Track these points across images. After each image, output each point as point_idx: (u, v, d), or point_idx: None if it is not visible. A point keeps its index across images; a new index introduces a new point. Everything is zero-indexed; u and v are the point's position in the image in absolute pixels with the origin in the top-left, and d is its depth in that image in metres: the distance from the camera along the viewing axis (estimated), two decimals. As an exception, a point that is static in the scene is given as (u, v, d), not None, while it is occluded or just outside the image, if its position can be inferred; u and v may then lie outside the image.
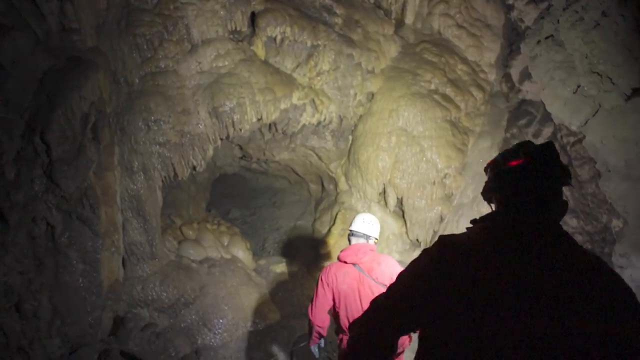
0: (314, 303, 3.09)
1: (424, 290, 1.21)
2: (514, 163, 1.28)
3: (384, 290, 1.46)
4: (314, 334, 3.18)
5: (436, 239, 1.33)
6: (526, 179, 1.25)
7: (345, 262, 3.04)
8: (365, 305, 2.73)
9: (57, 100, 3.96)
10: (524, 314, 1.05)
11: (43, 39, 4.29)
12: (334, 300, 3.06)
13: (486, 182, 1.41)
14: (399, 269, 2.59)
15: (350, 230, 3.18)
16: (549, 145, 1.28)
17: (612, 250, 5.24)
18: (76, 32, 4.56)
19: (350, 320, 2.99)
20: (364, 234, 3.11)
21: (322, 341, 3.31)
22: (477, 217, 1.34)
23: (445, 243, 1.26)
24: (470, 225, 1.36)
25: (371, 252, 3.04)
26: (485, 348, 1.06)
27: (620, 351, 1.00)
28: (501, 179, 1.33)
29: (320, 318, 3.09)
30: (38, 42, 4.18)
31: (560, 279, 1.07)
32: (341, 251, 3.12)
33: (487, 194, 1.41)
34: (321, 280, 3.08)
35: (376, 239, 3.15)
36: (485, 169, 1.49)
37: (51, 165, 3.86)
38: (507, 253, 1.14)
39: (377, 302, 1.36)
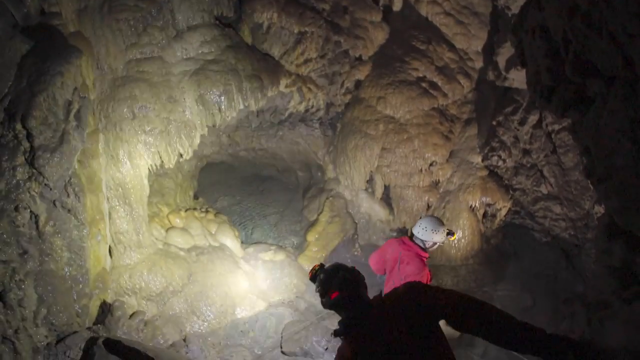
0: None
1: None
2: (334, 295, 2.00)
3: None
4: None
5: None
6: (345, 298, 1.98)
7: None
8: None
9: (39, 86, 3.87)
10: (393, 347, 1.79)
11: (22, 22, 4.17)
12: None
13: (323, 304, 2.06)
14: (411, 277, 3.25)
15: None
16: (350, 274, 2.06)
17: (594, 236, 5.36)
18: (57, 16, 4.44)
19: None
20: (420, 238, 3.54)
21: None
22: (334, 330, 2.00)
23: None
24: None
25: (413, 254, 3.46)
26: None
27: (432, 313, 1.84)
28: (332, 304, 2.02)
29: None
30: (16, 26, 4.07)
31: (391, 319, 1.86)
32: (406, 238, 3.60)
33: (326, 309, 2.07)
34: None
35: (434, 242, 3.54)
36: (312, 278, 2.18)
37: (33, 152, 3.79)
38: (365, 338, 1.87)
39: None
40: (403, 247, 3.50)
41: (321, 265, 2.18)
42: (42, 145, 3.83)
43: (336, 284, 2.02)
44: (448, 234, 3.55)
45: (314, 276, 2.15)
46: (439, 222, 3.54)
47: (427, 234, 3.46)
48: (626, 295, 2.56)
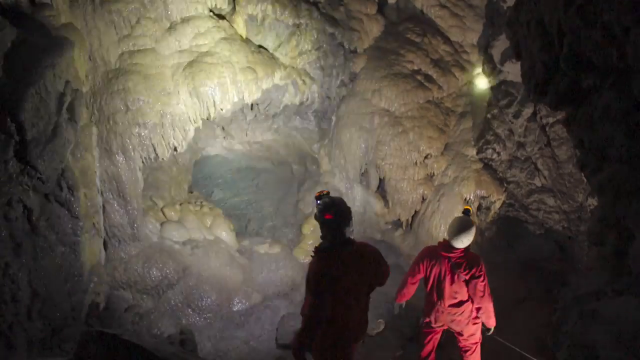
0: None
1: (314, 284, 2.63)
2: (327, 217, 2.62)
3: None
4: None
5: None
6: (335, 223, 2.63)
7: None
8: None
9: (30, 78, 3.82)
10: (345, 278, 2.59)
11: (11, 13, 4.11)
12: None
13: (315, 217, 2.71)
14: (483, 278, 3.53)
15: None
16: (346, 211, 2.67)
17: (587, 228, 5.39)
18: (48, 7, 4.38)
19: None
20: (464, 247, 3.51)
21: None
22: (318, 246, 2.71)
23: (313, 264, 2.67)
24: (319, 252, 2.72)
25: (470, 258, 3.54)
26: (336, 297, 2.60)
27: (378, 277, 2.77)
28: (324, 223, 2.66)
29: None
30: (5, 17, 4.00)
31: (355, 261, 2.64)
32: (445, 245, 3.54)
33: (316, 221, 2.71)
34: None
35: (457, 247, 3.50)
36: (318, 197, 2.77)
37: (25, 146, 3.75)
38: (334, 259, 2.61)
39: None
40: (451, 254, 3.45)
41: (328, 192, 2.76)
42: (34, 138, 3.79)
43: (334, 210, 2.63)
44: (468, 214, 3.56)
45: (320, 196, 2.71)
46: (461, 226, 3.42)
47: (467, 240, 3.41)
48: (618, 286, 2.60)
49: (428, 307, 3.73)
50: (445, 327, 3.78)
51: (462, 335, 3.70)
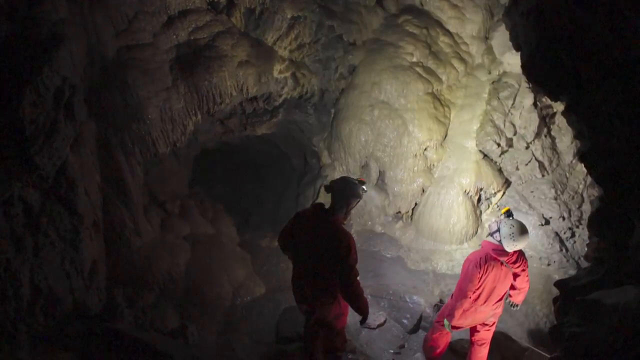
0: None
1: (285, 235, 3.36)
2: (330, 183, 3.18)
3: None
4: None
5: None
6: (329, 190, 3.15)
7: None
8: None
9: (27, 74, 3.80)
10: (308, 243, 3.15)
11: (7, 8, 4.07)
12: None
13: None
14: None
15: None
16: (345, 181, 3.20)
17: (587, 219, 5.40)
18: (44, 2, 4.34)
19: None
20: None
21: None
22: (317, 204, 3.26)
23: (294, 216, 3.34)
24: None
25: (518, 255, 3.68)
26: (299, 257, 3.27)
27: (336, 255, 3.01)
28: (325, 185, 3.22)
29: None
30: (1, 12, 3.97)
31: (320, 232, 3.07)
32: (499, 249, 3.58)
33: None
34: None
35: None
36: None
37: (24, 142, 3.74)
38: (300, 216, 3.28)
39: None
40: (506, 257, 3.52)
41: (363, 181, 3.31)
42: (33, 134, 3.78)
43: (333, 182, 3.21)
44: (512, 216, 3.69)
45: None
46: (521, 231, 3.45)
47: (525, 244, 3.50)
48: (618, 276, 2.60)
49: (464, 310, 3.65)
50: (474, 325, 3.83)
51: (487, 326, 3.75)
